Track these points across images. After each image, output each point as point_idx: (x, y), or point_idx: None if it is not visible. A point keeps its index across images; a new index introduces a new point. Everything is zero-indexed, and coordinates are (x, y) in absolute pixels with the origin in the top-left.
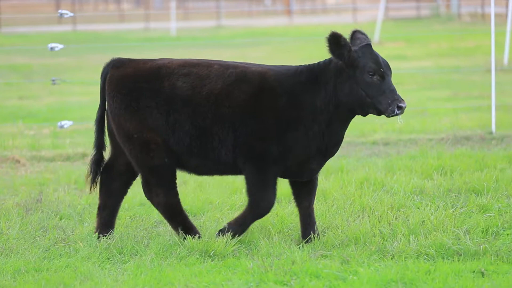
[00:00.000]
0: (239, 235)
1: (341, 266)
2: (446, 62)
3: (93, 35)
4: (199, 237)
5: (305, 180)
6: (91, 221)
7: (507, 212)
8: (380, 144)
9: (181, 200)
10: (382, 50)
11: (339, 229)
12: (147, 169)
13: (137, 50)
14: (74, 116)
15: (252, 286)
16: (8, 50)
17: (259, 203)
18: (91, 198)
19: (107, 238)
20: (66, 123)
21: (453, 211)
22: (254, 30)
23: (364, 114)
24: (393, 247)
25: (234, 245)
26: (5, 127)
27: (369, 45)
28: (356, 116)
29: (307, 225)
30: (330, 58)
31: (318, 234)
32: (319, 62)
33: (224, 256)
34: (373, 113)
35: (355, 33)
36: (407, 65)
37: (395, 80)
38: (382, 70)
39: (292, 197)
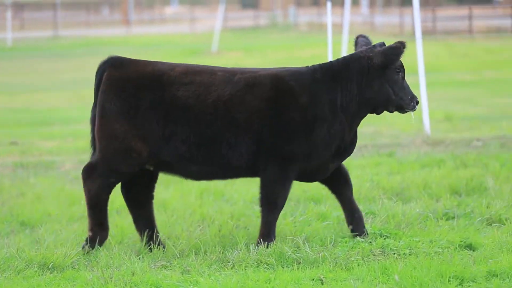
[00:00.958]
0: (274, 240)
1: (181, 276)
2: None
3: None
4: (105, 238)
5: (335, 171)
6: None
7: (344, 220)
8: None
9: (26, 210)
10: (220, 60)
11: (180, 239)
12: (107, 167)
13: None
14: None
15: None
16: None
17: (277, 201)
18: None
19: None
20: None
21: (292, 220)
22: (92, 40)
23: (380, 112)
24: (234, 257)
25: (73, 256)
26: None
27: (384, 44)
28: None
29: (352, 212)
30: (348, 56)
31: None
32: (333, 61)
33: (63, 268)
34: (391, 111)
35: (358, 38)
36: None
37: None
38: (403, 68)
39: (331, 192)
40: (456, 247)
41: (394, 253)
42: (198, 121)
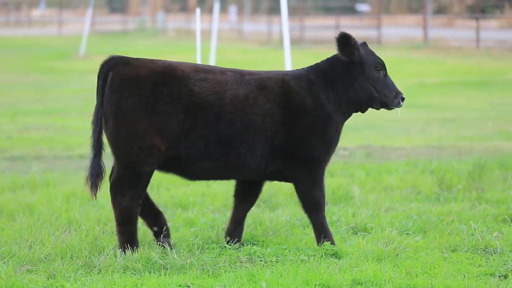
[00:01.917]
0: (332, 239)
1: (47, 280)
2: None
3: None
4: (136, 249)
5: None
6: None
7: (212, 227)
8: (87, 158)
9: None
10: (88, 64)
11: (45, 243)
12: (131, 172)
13: None
14: None
15: None
16: None
17: (320, 201)
18: None
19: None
20: None
21: None
22: None
23: (365, 110)
24: (100, 262)
25: None
26: None
27: (365, 43)
28: None
29: (239, 226)
30: (330, 58)
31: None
32: (319, 63)
33: None
34: (376, 108)
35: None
36: None
37: None
38: (384, 65)
39: (234, 195)
40: (322, 255)
41: (261, 260)
42: (219, 119)
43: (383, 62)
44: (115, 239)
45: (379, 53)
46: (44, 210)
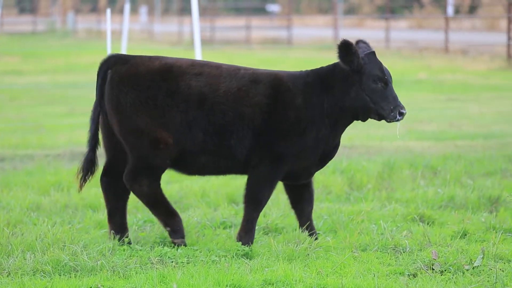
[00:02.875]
0: (251, 239)
1: None
2: (62, 77)
3: None
4: (180, 220)
5: (302, 185)
6: None
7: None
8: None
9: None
10: None
11: None
12: (144, 165)
13: None
14: None
15: None
16: None
17: (262, 199)
18: None
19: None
20: None
21: (70, 227)
22: None
23: (365, 120)
24: (9, 264)
25: None
26: None
27: (373, 53)
28: None
29: (310, 228)
30: (334, 63)
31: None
32: (323, 67)
33: None
34: (375, 118)
35: (358, 43)
36: (22, 80)
37: (10, 95)
38: (386, 77)
39: (292, 205)
40: (233, 256)
41: (172, 262)
42: (213, 111)
43: (386, 74)
44: (24, 241)
45: (289, 53)
46: None
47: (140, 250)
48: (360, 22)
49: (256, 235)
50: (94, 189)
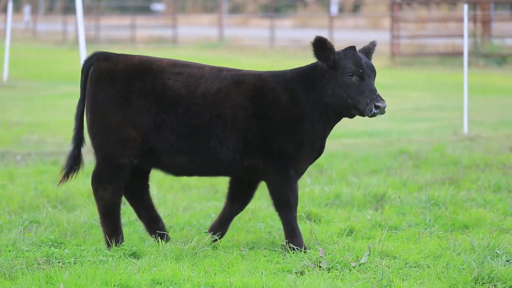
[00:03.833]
0: (300, 239)
1: None
2: None
3: None
4: (121, 242)
5: (250, 186)
6: None
7: (8, 229)
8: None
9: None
10: None
11: None
12: (110, 165)
13: None
14: None
15: None
16: None
17: (289, 200)
18: None
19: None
20: None
21: None
22: None
23: (350, 116)
24: None
25: None
26: None
27: (352, 47)
28: None
29: (223, 226)
30: (314, 62)
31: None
32: (306, 65)
33: None
34: (357, 114)
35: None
36: None
37: None
38: (361, 70)
39: (226, 196)
40: (121, 256)
41: (59, 262)
42: (188, 112)
43: (362, 67)
44: None
45: (175, 52)
46: None
47: (27, 251)
48: (245, 20)
49: (143, 234)
50: None
